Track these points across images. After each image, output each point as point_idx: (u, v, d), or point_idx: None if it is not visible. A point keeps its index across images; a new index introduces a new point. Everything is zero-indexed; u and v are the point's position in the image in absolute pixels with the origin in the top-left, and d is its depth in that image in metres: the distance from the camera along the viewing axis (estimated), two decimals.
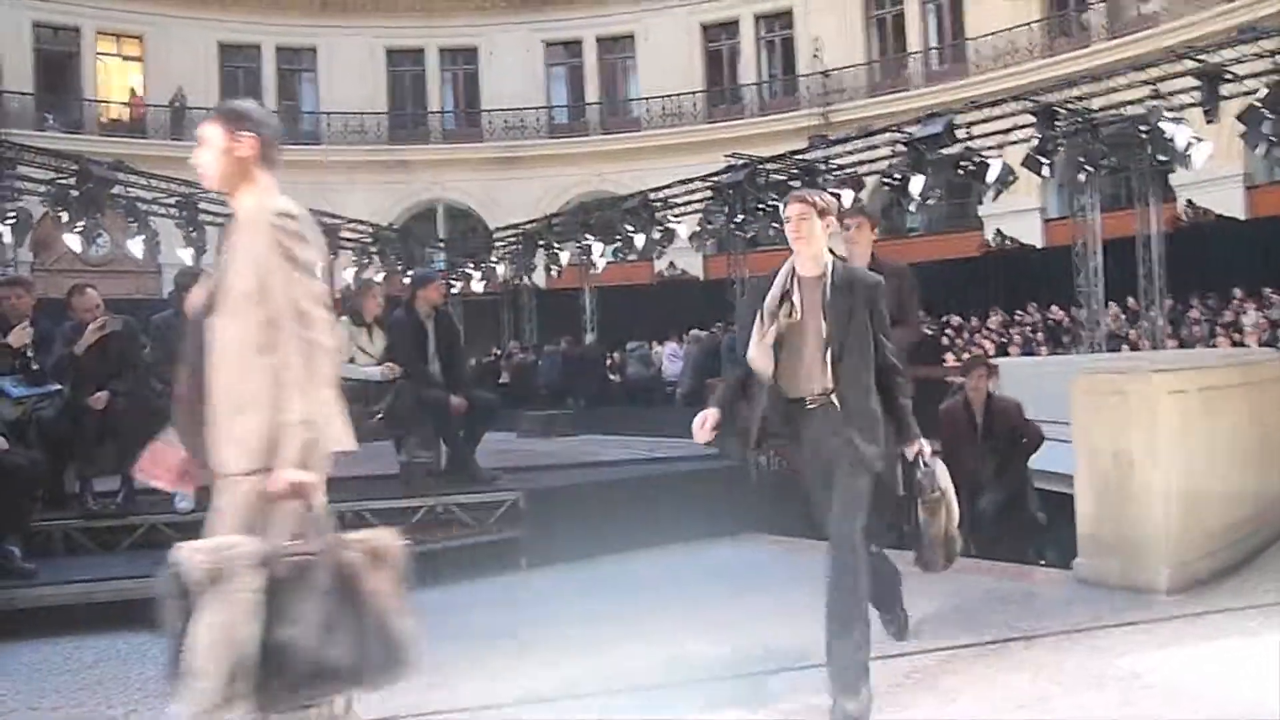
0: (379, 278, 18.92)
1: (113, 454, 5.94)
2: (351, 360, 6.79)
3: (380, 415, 6.61)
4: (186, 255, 15.92)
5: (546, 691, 3.79)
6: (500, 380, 19.95)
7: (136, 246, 16.21)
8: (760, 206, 16.64)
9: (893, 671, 3.85)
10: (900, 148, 14.86)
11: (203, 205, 16.74)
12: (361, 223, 21.14)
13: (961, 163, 14.36)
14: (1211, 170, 16.36)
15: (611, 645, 4.41)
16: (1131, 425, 4.83)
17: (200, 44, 26.56)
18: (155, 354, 6.24)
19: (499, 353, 22.57)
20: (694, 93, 27.11)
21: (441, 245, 25.73)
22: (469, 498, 6.49)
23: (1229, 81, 12.33)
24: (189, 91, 25.74)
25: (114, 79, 26.61)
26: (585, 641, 4.32)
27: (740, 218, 16.89)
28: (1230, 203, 19.48)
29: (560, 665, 3.98)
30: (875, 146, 15.74)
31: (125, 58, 26.85)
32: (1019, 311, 19.68)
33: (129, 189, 15.44)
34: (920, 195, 14.52)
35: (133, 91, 26.62)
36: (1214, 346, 14.68)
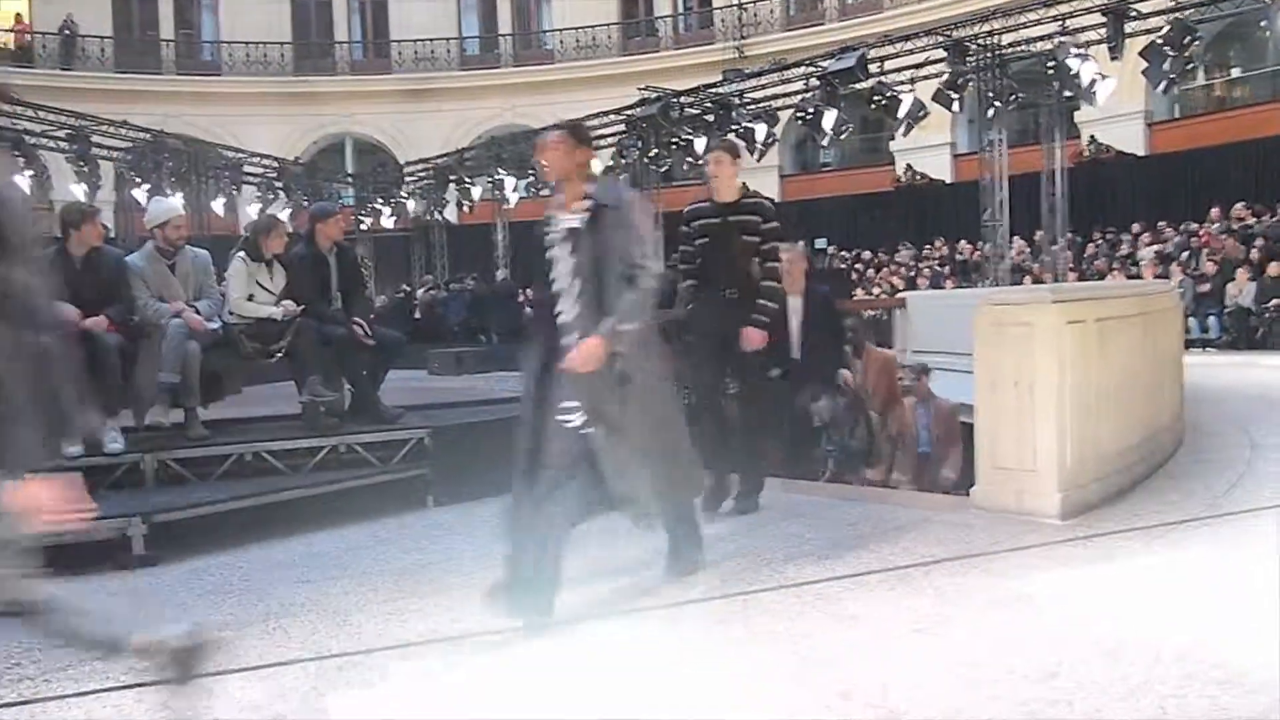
0: (285, 215, 18.42)
1: None
2: (250, 298, 6.57)
3: (281, 354, 6.43)
4: (79, 191, 15.27)
5: (453, 631, 3.76)
6: (414, 317, 19.67)
7: (24, 182, 15.47)
8: (674, 140, 16.55)
9: (796, 599, 3.91)
10: (814, 82, 14.90)
11: (96, 139, 16.04)
12: (266, 157, 20.51)
13: (874, 97, 14.46)
14: (1114, 107, 16.73)
15: None
16: (1031, 355, 4.92)
17: None
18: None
19: (408, 289, 22.21)
20: (608, 24, 26.71)
21: (350, 180, 25.13)
22: (373, 436, 6.37)
23: (1133, 19, 12.58)
24: (79, 19, 24.53)
25: None
26: (494, 580, 4.28)
27: (654, 152, 16.80)
28: (1131, 139, 19.96)
29: (468, 604, 3.94)
30: (789, 81, 15.75)
31: None
32: (928, 245, 20.03)
33: (16, 121, 14.72)
34: (833, 130, 14.62)
35: (17, 17, 25.25)
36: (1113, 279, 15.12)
